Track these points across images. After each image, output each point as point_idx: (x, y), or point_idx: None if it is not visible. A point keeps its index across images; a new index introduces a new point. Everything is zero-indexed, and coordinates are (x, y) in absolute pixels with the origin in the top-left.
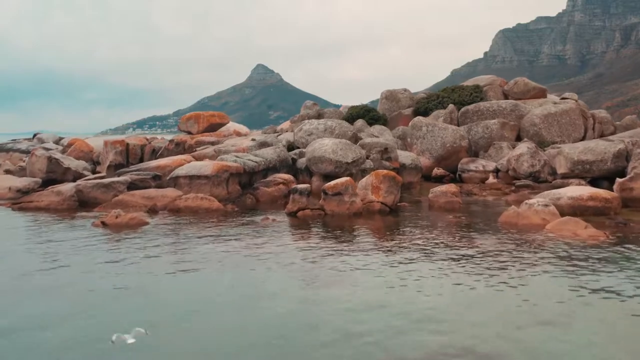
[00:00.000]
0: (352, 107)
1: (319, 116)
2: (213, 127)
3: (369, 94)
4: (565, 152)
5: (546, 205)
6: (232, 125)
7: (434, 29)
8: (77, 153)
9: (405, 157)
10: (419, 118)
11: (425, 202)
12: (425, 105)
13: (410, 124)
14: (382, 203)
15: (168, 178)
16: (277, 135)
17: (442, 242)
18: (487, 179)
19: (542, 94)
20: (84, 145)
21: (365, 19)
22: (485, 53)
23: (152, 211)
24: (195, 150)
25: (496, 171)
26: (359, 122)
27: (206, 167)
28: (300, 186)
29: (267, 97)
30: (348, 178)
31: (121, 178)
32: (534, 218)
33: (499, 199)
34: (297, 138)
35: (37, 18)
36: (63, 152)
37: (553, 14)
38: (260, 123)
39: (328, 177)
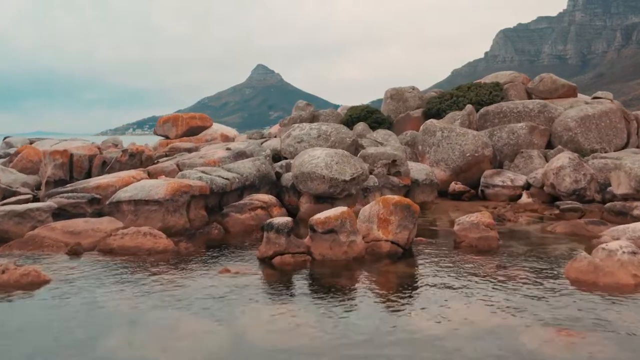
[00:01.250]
0: (352, 108)
1: (313, 118)
2: (193, 131)
3: (369, 94)
4: (627, 166)
5: (635, 253)
6: (219, 128)
7: (434, 28)
8: (24, 163)
9: (418, 171)
10: (432, 121)
11: (447, 234)
12: (438, 105)
13: (421, 128)
14: (392, 242)
15: (108, 203)
16: (263, 142)
17: (491, 320)
18: (516, 195)
19: (572, 93)
20: (33, 154)
21: (365, 19)
22: (486, 53)
23: (74, 253)
24: (156, 162)
25: (527, 186)
26: (360, 126)
27: (157, 188)
28: (278, 220)
29: (267, 97)
30: (345, 209)
31: (44, 204)
32: (620, 274)
33: (544, 228)
34: (284, 146)
35: (37, 18)
36: (10, 161)
37: (554, 13)
38: (260, 124)
39: (321, 198)
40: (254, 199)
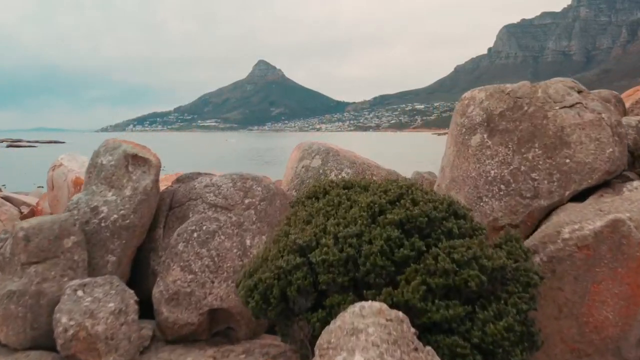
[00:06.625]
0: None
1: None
2: None
3: (370, 91)
4: None
5: None
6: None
7: (437, 24)
8: None
9: None
10: None
11: None
12: None
13: None
14: None
15: None
16: None
17: None
18: None
19: None
20: None
21: (368, 15)
22: (489, 49)
23: None
24: None
25: None
26: None
27: None
28: None
29: (268, 93)
30: None
31: None
32: None
33: None
34: None
35: (42, 15)
36: None
37: (558, 9)
38: (261, 120)
39: None
40: None
